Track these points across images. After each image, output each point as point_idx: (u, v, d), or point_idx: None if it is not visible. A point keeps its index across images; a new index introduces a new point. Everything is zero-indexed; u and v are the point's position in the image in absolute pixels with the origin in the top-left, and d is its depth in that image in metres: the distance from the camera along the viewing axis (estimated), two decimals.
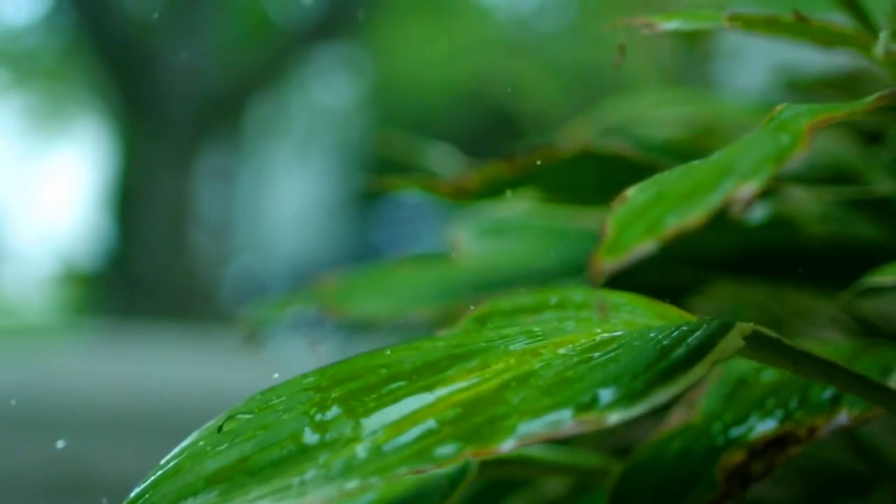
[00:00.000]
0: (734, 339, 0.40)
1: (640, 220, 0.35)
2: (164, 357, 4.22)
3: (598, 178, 0.66)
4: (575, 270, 0.71)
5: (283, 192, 9.57)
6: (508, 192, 0.67)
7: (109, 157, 8.03)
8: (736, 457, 0.47)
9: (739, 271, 0.70)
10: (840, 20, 0.55)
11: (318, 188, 9.79)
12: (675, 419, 0.52)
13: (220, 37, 7.51)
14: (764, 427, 0.48)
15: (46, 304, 9.20)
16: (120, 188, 7.67)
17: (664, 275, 0.69)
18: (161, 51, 7.12)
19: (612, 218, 0.36)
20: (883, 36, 0.50)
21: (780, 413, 0.49)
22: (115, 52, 7.16)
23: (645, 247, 0.34)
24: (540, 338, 0.44)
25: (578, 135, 0.87)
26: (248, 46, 7.87)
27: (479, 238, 0.80)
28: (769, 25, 0.52)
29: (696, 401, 0.53)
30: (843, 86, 0.80)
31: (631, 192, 0.38)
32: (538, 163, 0.64)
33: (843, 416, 0.48)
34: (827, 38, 0.53)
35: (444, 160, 0.89)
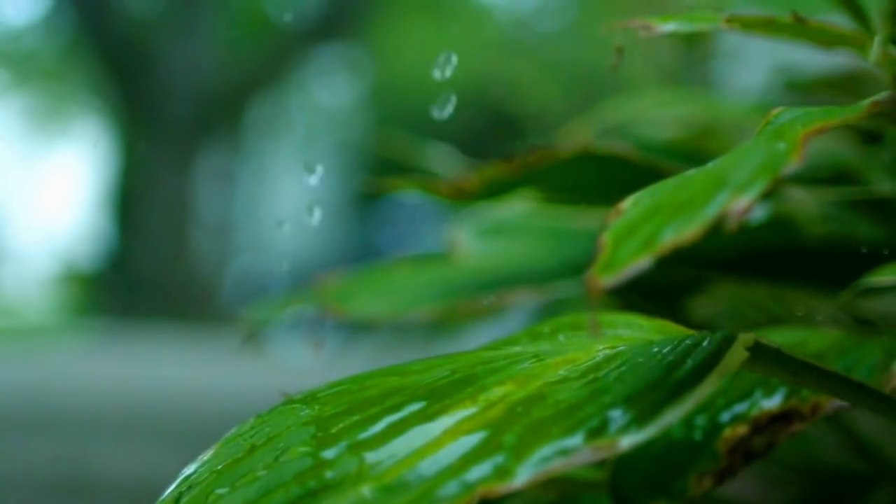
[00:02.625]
0: (738, 352, 0.40)
1: (635, 235, 0.36)
2: (164, 357, 4.22)
3: (598, 178, 0.66)
4: (574, 270, 0.71)
5: (283, 192, 9.56)
6: (508, 193, 0.67)
7: (109, 157, 8.03)
8: (739, 430, 0.47)
9: (739, 271, 0.71)
10: (839, 21, 0.55)
11: (317, 189, 9.78)
12: None
13: (220, 37, 7.50)
14: (768, 403, 0.48)
15: (46, 304, 9.20)
16: (120, 188, 7.66)
17: (664, 275, 0.69)
18: (161, 51, 7.11)
19: (607, 232, 0.36)
20: (878, 39, 0.50)
21: (784, 390, 0.48)
22: (115, 52, 7.16)
23: (641, 262, 0.34)
24: (540, 358, 0.43)
25: (578, 135, 0.87)
26: (248, 46, 7.87)
27: (479, 238, 0.80)
28: (768, 26, 0.52)
29: None
30: (843, 86, 0.80)
31: (626, 204, 0.38)
32: (538, 163, 0.64)
33: None
34: (825, 39, 0.53)
35: (444, 160, 0.89)
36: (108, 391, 2.90)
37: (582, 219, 0.73)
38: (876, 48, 0.50)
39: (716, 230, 0.35)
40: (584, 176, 0.66)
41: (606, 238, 0.36)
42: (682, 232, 0.35)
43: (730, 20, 0.51)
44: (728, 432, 0.47)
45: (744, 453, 0.47)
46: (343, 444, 0.39)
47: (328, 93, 9.45)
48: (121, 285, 7.31)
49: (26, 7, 8.39)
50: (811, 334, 0.56)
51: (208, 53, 7.23)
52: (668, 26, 0.50)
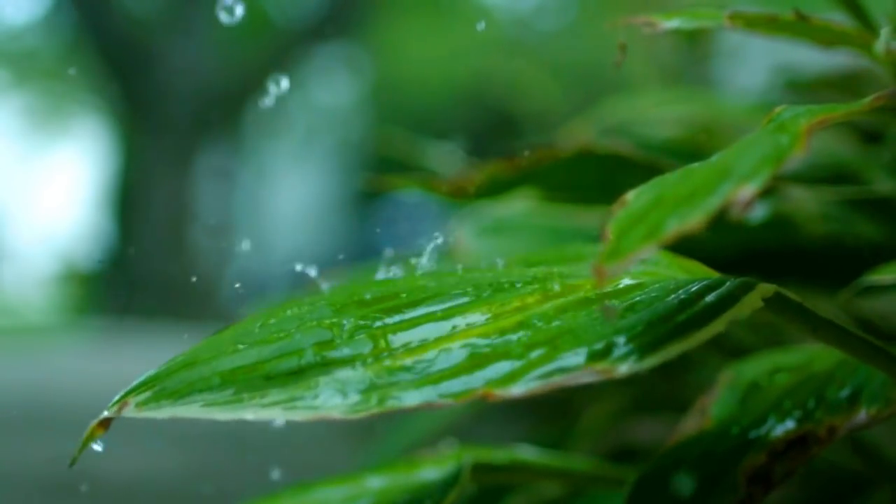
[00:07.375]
0: (754, 299, 0.40)
1: (640, 225, 0.36)
2: (163, 357, 4.21)
3: (598, 177, 0.66)
4: None
5: (283, 192, 9.56)
6: (509, 192, 0.67)
7: (109, 156, 8.03)
8: (757, 459, 0.47)
9: (739, 271, 0.70)
10: (840, 20, 0.55)
11: (318, 188, 9.79)
12: (689, 427, 0.52)
13: (220, 37, 7.50)
14: (783, 428, 0.48)
15: (46, 304, 9.20)
16: (120, 188, 7.67)
17: None
18: (161, 51, 7.11)
19: (611, 223, 0.36)
20: (884, 33, 0.50)
21: (798, 413, 0.48)
22: (115, 52, 7.16)
23: (645, 251, 0.34)
24: (563, 277, 0.45)
25: (579, 134, 0.87)
26: (248, 46, 7.87)
27: (479, 237, 0.80)
28: (770, 24, 0.52)
29: (707, 408, 0.53)
30: (843, 85, 0.80)
31: (630, 195, 0.38)
32: (538, 162, 0.64)
33: (862, 415, 0.47)
34: (828, 38, 0.53)
35: (445, 159, 0.89)
36: (108, 391, 2.89)
37: (582, 218, 0.73)
38: (882, 42, 0.50)
39: (716, 229, 0.35)
40: (584, 175, 0.66)
41: (611, 227, 0.36)
42: (687, 221, 0.35)
43: (732, 18, 0.51)
44: (747, 462, 0.47)
45: (764, 482, 0.46)
46: (360, 324, 0.41)
47: (328, 93, 9.45)
48: (121, 285, 7.31)
49: (26, 7, 8.40)
50: (817, 353, 0.56)
51: (208, 53, 7.23)
52: (671, 23, 0.50)
